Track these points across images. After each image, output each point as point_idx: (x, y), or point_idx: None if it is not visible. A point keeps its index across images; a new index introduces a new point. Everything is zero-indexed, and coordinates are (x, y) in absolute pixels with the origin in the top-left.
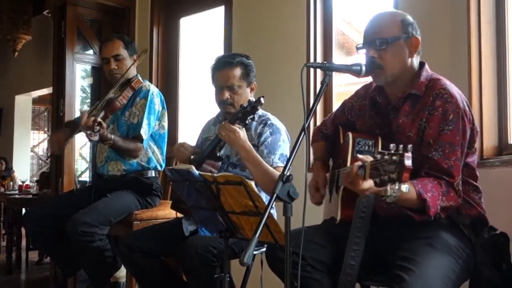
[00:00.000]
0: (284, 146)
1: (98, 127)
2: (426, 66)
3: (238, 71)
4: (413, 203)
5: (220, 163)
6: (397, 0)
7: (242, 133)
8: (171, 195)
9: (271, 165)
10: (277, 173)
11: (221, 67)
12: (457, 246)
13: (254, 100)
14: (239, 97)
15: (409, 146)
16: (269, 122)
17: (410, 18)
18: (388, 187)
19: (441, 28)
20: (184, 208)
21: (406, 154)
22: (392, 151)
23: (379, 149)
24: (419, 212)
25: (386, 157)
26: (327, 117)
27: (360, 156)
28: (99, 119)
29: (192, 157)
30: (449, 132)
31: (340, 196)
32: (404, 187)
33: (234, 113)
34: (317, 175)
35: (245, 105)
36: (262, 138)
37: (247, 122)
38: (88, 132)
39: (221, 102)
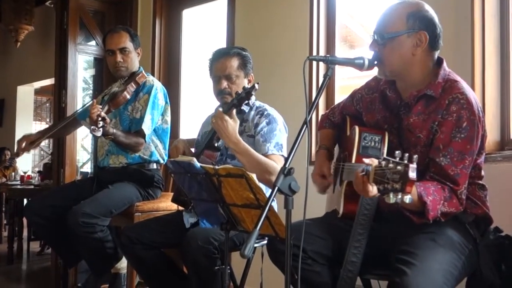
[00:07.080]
0: (280, 136)
1: (101, 122)
2: (444, 64)
3: (235, 61)
4: (413, 205)
5: (218, 153)
6: None
7: (233, 124)
8: (172, 187)
9: (266, 153)
10: (269, 161)
11: (218, 58)
12: (460, 242)
13: (248, 86)
14: (236, 87)
15: (415, 156)
16: (265, 113)
17: (423, 11)
18: (391, 195)
19: (444, 23)
20: (185, 201)
21: (411, 166)
22: (397, 159)
23: (385, 145)
24: (419, 215)
25: (391, 165)
26: (335, 105)
27: (365, 160)
28: (103, 114)
29: (192, 149)
30: (460, 140)
31: (343, 191)
32: (407, 198)
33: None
34: (321, 164)
35: (239, 92)
36: (259, 128)
37: (242, 108)
38: (92, 127)
39: (219, 92)
